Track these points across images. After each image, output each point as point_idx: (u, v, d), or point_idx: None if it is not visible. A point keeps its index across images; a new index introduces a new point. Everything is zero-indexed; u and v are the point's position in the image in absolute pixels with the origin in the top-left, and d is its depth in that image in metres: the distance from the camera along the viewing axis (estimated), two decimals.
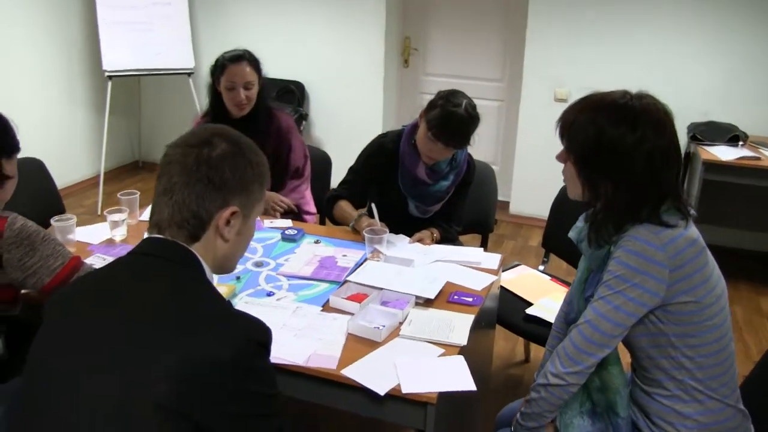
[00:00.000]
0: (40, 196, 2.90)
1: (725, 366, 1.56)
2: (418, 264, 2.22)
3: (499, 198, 3.25)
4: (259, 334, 1.20)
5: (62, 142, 5.00)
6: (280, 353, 1.70)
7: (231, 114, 2.87)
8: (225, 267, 1.36)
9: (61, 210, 2.88)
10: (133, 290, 1.23)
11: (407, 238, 2.46)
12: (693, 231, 1.52)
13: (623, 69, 4.36)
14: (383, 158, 2.61)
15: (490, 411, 1.93)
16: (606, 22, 4.37)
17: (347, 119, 5.13)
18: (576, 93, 4.39)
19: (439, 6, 4.94)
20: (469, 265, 2.25)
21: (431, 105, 2.43)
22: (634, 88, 1.57)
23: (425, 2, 4.97)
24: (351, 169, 2.71)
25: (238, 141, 1.31)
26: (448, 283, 2.09)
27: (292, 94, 5.10)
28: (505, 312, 2.57)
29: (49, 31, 4.77)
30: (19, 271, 1.71)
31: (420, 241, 2.45)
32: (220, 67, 2.82)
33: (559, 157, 1.61)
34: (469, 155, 2.67)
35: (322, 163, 3.37)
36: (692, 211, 1.57)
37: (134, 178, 5.40)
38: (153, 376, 1.11)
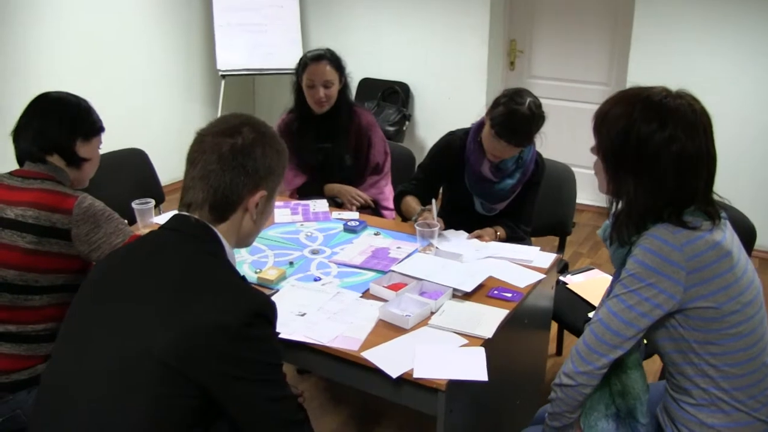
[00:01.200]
0: (141, 184, 3.17)
1: (755, 377, 1.48)
2: (468, 259, 2.24)
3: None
4: (261, 307, 1.31)
5: (179, 137, 5.39)
6: (309, 332, 1.80)
7: (313, 110, 3.01)
8: (247, 242, 1.52)
9: (159, 197, 3.14)
10: (154, 260, 1.39)
11: (465, 234, 2.48)
12: (718, 234, 1.45)
13: (734, 76, 4.11)
14: (450, 155, 2.64)
15: (535, 410, 1.92)
16: (714, 25, 4.13)
17: (450, 121, 5.09)
18: None
19: (546, 9, 4.87)
20: (519, 263, 2.24)
21: (495, 103, 2.43)
22: (744, 95, 1.52)
23: (532, 5, 4.92)
24: (419, 166, 2.77)
25: (264, 131, 1.46)
26: (491, 278, 2.10)
27: (397, 94, 5.21)
28: (568, 314, 2.53)
29: (171, 34, 5.18)
30: (85, 245, 1.91)
31: (478, 237, 2.46)
32: (302, 65, 2.97)
33: (592, 150, 1.59)
34: (539, 155, 2.64)
35: (409, 161, 3.43)
36: (723, 215, 1.50)
37: None
38: (159, 336, 1.25)
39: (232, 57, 5.13)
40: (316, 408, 2.79)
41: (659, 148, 1.42)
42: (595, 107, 1.58)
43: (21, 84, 4.11)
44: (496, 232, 2.56)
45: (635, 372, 1.57)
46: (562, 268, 2.90)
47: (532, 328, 2.23)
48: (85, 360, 1.31)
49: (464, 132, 2.65)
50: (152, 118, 5.12)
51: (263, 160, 1.41)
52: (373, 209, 3.10)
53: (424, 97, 5.25)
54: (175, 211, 1.46)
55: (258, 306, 1.31)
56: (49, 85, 4.09)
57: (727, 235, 1.47)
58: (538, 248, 2.37)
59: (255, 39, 5.18)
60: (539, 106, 2.42)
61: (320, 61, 2.94)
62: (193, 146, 1.43)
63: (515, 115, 2.36)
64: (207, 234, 1.40)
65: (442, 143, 2.69)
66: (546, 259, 2.28)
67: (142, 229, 2.52)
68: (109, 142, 2.38)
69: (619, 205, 1.52)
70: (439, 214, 2.49)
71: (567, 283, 2.72)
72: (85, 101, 2.06)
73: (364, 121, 3.11)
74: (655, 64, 4.34)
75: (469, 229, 2.51)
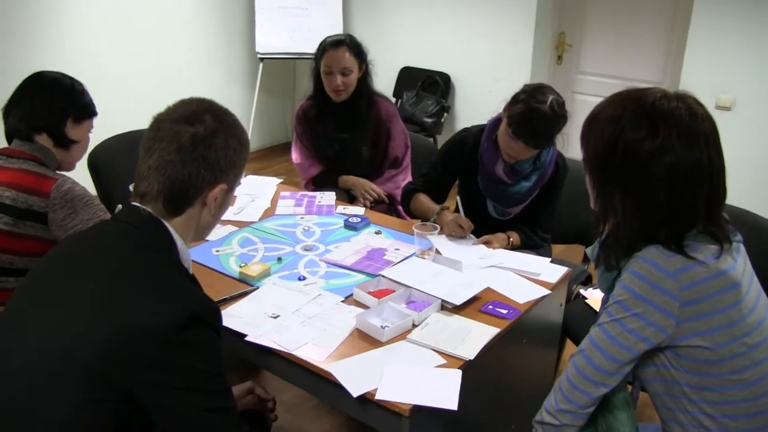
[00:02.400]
0: None
1: None
2: (468, 267, 2.07)
3: None
4: (198, 309, 1.19)
5: None
6: (277, 337, 1.67)
7: (331, 98, 2.87)
8: (203, 234, 1.43)
9: None
10: (96, 254, 1.28)
11: (473, 238, 2.30)
12: (725, 262, 1.24)
13: None
14: (463, 153, 2.47)
15: None
16: None
17: (490, 114, 4.90)
18: (742, 101, 3.92)
19: (599, 1, 4.58)
20: (524, 275, 2.05)
21: (514, 99, 2.25)
22: None
23: None
24: (430, 163, 2.59)
25: (227, 119, 1.35)
26: (488, 291, 1.92)
27: (437, 85, 5.03)
28: (581, 332, 2.32)
29: (212, 16, 5.12)
30: (61, 230, 1.83)
31: (486, 243, 2.28)
32: (321, 50, 2.83)
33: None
34: (560, 155, 2.43)
35: (433, 155, 3.26)
36: (737, 238, 1.29)
37: (282, 158, 5.64)
38: (84, 337, 1.15)
39: (271, 40, 5.05)
40: (312, 408, 2.68)
41: (650, 158, 1.22)
42: None
43: (66, 67, 4.10)
44: (508, 238, 2.37)
45: (622, 413, 1.38)
46: (585, 280, 2.69)
47: (534, 347, 2.04)
48: (14, 356, 1.22)
49: (479, 129, 2.47)
50: None
51: (225, 152, 1.31)
52: (388, 205, 2.95)
53: (464, 89, 5.05)
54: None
55: (195, 308, 1.18)
56: (92, 67, 4.16)
57: (737, 264, 1.26)
58: (549, 259, 2.17)
59: (296, 22, 5.08)
60: (562, 104, 2.22)
61: (339, 47, 2.80)
62: (149, 133, 1.31)
63: (535, 114, 2.17)
64: (156, 229, 1.29)
65: (455, 140, 2.51)
66: (555, 272, 2.08)
67: None
68: None
69: (608, 225, 1.32)
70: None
71: (586, 298, 2.51)
72: (79, 83, 2.02)
73: (384, 111, 2.95)
74: (711, 65, 4.02)
75: (480, 234, 2.33)
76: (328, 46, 2.81)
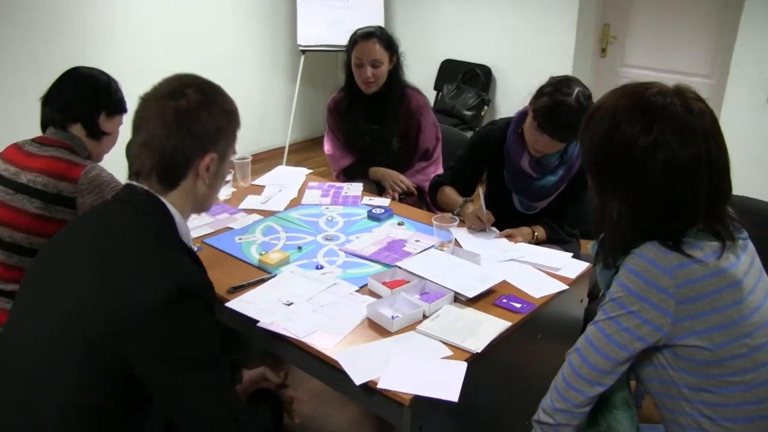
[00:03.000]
0: None
1: None
2: (487, 260, 2.05)
3: None
4: (191, 284, 1.23)
5: (261, 110, 5.44)
6: (288, 324, 1.70)
7: (362, 90, 2.89)
8: (204, 206, 1.46)
9: None
10: (96, 233, 1.33)
11: (496, 232, 2.28)
12: (726, 259, 1.20)
13: None
14: (489, 146, 2.45)
15: None
16: None
17: None
18: None
19: None
20: (544, 269, 2.02)
21: (540, 92, 2.22)
22: None
23: None
24: (457, 155, 2.58)
25: (210, 90, 1.39)
26: (504, 284, 1.90)
27: (477, 77, 4.98)
28: None
29: (255, 8, 5.19)
30: None
31: (508, 237, 2.26)
32: (352, 42, 2.85)
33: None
34: None
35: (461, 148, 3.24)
36: (744, 235, 1.25)
37: (322, 150, 5.66)
38: (84, 314, 1.20)
39: (312, 32, 5.08)
40: (338, 397, 2.70)
41: (644, 154, 1.19)
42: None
43: (110, 57, 4.24)
44: (533, 232, 2.34)
45: (622, 413, 1.35)
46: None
47: (551, 343, 2.01)
48: (20, 334, 1.28)
49: (506, 122, 2.44)
50: (235, 92, 5.14)
51: (210, 122, 1.34)
52: (418, 197, 2.95)
53: (505, 82, 5.00)
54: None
55: (185, 281, 1.22)
56: (136, 58, 4.29)
57: (740, 262, 1.22)
58: (571, 254, 2.14)
59: (337, 15, 5.10)
60: (588, 97, 2.18)
61: (369, 39, 2.81)
62: (136, 112, 1.36)
63: (561, 107, 2.14)
64: (153, 205, 1.33)
65: (482, 133, 2.50)
66: (576, 267, 2.04)
67: (240, 182, 2.61)
68: None
69: (606, 221, 1.30)
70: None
71: None
72: (114, 81, 2.12)
73: (415, 103, 2.95)
74: (763, 58, 3.87)
75: (504, 228, 2.31)
76: (359, 38, 2.83)
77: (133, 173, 1.35)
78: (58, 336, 1.21)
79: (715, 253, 1.20)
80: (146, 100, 1.34)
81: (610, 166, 1.25)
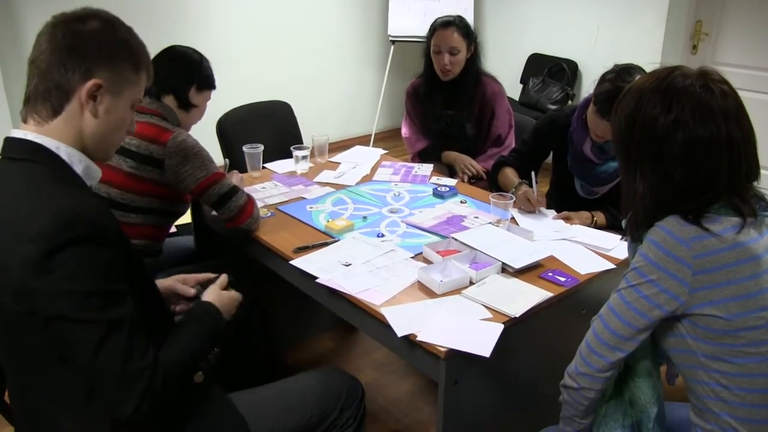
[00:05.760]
0: (283, 133, 3.35)
1: None
2: (540, 237, 2.14)
3: None
4: (74, 228, 1.17)
5: (352, 100, 5.67)
6: (343, 281, 1.86)
7: (439, 77, 3.02)
8: (99, 149, 1.35)
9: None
10: None
11: (553, 213, 2.36)
12: (746, 234, 1.25)
13: None
14: (553, 132, 2.52)
15: None
16: None
17: None
18: None
19: None
20: (594, 249, 2.09)
21: (602, 79, 2.27)
22: None
23: None
24: (522, 140, 2.67)
25: (114, 22, 1.33)
26: (551, 259, 1.99)
27: (563, 72, 4.99)
28: None
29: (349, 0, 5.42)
30: (173, 176, 2.13)
31: (565, 219, 2.33)
32: (431, 30, 2.98)
33: None
34: None
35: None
36: (766, 212, 1.30)
37: None
38: None
39: (403, 23, 5.23)
40: (400, 369, 2.85)
41: (664, 133, 1.26)
42: None
43: (210, 42, 4.55)
44: (593, 217, 2.40)
45: (643, 381, 1.42)
46: None
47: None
48: None
49: (572, 109, 2.50)
50: (328, 80, 5.44)
51: (99, 46, 1.27)
52: (488, 181, 3.04)
53: (590, 77, 4.96)
54: None
55: (70, 227, 1.15)
56: (231, 45, 4.58)
57: (763, 238, 1.27)
58: (620, 237, 2.19)
59: (427, 6, 5.22)
60: None
61: (448, 27, 2.93)
62: (38, 33, 1.31)
63: (620, 93, 2.18)
64: (37, 154, 1.27)
65: (547, 118, 2.57)
66: (626, 249, 2.10)
67: (250, 172, 2.73)
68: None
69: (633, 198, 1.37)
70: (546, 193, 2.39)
71: None
72: (206, 59, 2.34)
73: (490, 91, 3.05)
74: None
75: (567, 211, 2.39)
76: (438, 26, 2.95)
77: (25, 99, 1.30)
78: None
79: (734, 227, 1.25)
80: (47, 24, 1.30)
81: (634, 145, 1.32)
